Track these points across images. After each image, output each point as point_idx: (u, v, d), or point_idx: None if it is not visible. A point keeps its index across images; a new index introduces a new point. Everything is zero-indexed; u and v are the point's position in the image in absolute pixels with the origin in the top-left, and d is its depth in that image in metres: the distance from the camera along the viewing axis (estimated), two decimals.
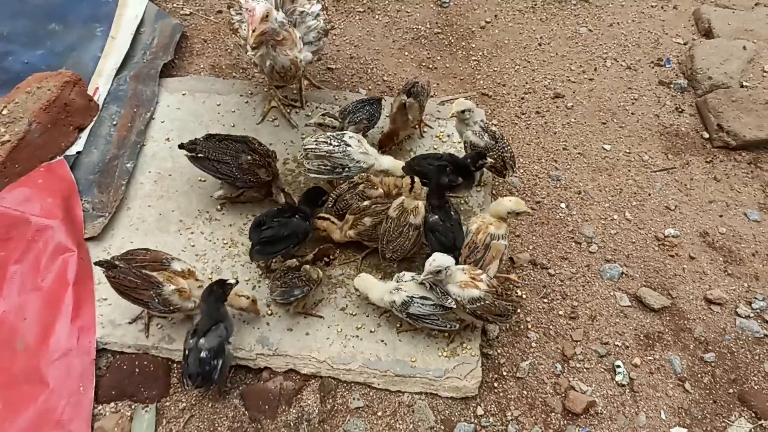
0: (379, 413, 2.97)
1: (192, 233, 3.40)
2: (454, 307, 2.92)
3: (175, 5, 4.52)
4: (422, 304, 2.93)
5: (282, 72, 3.44)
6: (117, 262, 2.87)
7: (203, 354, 2.76)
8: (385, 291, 3.01)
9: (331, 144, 3.29)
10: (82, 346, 3.01)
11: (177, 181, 3.59)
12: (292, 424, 2.96)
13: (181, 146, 3.28)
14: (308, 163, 3.37)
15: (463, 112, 3.35)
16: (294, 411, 2.99)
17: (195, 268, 3.01)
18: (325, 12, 3.60)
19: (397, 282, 3.01)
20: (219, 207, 3.49)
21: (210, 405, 3.00)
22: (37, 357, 2.97)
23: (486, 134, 3.39)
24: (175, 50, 4.15)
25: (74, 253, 3.20)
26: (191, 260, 3.28)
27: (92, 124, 3.74)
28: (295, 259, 3.15)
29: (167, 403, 3.00)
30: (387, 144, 3.65)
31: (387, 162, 3.39)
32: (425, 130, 3.82)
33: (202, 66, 4.21)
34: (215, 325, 2.82)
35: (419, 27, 4.52)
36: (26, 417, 2.85)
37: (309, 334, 3.11)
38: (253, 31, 3.17)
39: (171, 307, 2.88)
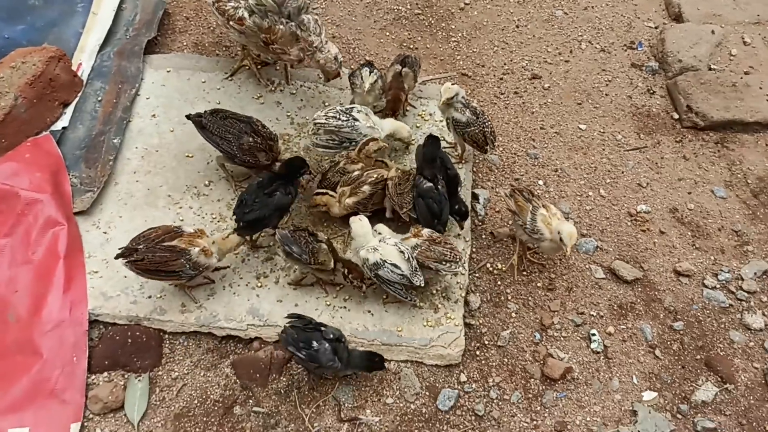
0: (367, 380, 3.08)
1: (180, 208, 3.45)
2: (422, 285, 3.07)
3: None
4: (391, 271, 3.05)
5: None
6: (137, 247, 2.93)
7: (315, 343, 2.85)
8: (369, 245, 3.11)
9: (340, 119, 3.37)
10: (75, 317, 3.06)
11: (164, 156, 3.63)
12: (282, 391, 3.06)
13: (188, 116, 3.35)
14: (317, 138, 3.45)
15: (452, 98, 3.45)
16: (284, 379, 3.09)
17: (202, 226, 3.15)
18: None
19: (379, 241, 3.11)
20: (207, 182, 3.55)
21: (202, 374, 3.08)
22: (29, 328, 3.02)
23: (467, 110, 3.50)
24: (158, 27, 4.16)
25: (64, 227, 3.24)
26: None
27: (77, 99, 3.75)
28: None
29: (160, 373, 3.07)
30: (397, 108, 3.76)
31: (388, 126, 3.48)
32: (408, 108, 3.91)
33: (185, 43, 4.23)
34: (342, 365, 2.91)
35: (400, 8, 4.60)
36: (20, 387, 2.91)
37: (298, 305, 3.20)
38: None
39: (201, 269, 3.01)
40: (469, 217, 3.51)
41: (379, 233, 3.16)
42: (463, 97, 3.52)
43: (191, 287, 3.19)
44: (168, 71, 3.97)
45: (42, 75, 3.56)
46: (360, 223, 3.15)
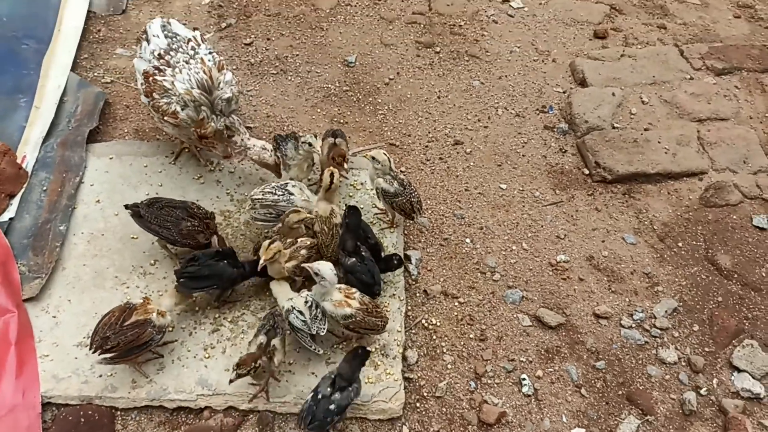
0: None
1: (128, 288, 3.62)
2: (320, 334, 3.30)
3: (96, 74, 4.76)
4: (297, 318, 3.28)
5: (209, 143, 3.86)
6: (107, 336, 3.14)
7: (332, 407, 3.05)
8: (286, 297, 3.37)
9: (276, 194, 3.62)
10: (28, 401, 3.17)
11: (109, 239, 3.81)
12: None
13: (127, 207, 3.54)
14: (254, 213, 3.67)
15: (373, 158, 3.76)
16: None
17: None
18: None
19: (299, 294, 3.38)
20: (152, 261, 3.73)
21: None
22: None
23: (395, 181, 3.80)
24: (99, 117, 4.38)
25: (14, 314, 3.37)
26: None
27: (23, 190, 3.92)
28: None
29: None
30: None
31: (322, 207, 3.71)
32: (341, 180, 4.19)
33: (126, 130, 4.45)
34: (350, 385, 3.11)
35: (329, 86, 4.94)
36: None
37: None
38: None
39: (163, 330, 3.28)
40: (403, 278, 3.77)
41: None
42: (391, 170, 3.82)
43: (140, 363, 3.33)
44: (110, 158, 4.18)
45: None
46: (277, 285, 3.44)
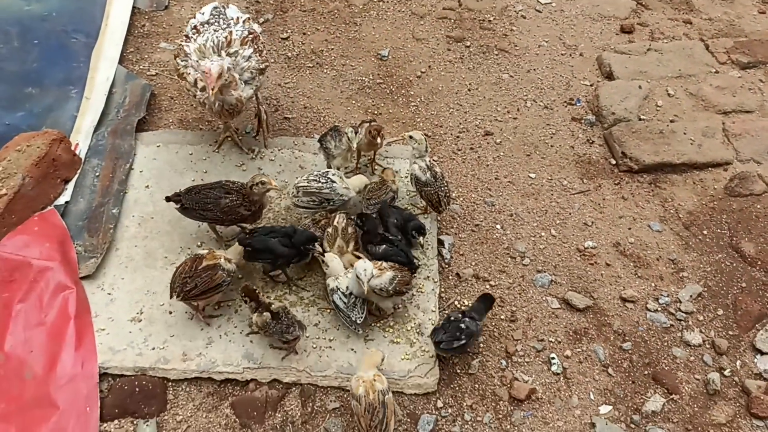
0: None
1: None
2: (359, 322, 3.53)
3: (141, 67, 4.98)
4: (340, 299, 3.52)
5: (230, 109, 3.96)
6: (186, 281, 3.47)
7: (462, 326, 3.45)
8: (336, 274, 3.60)
9: (320, 182, 3.81)
10: (86, 371, 3.39)
11: (159, 222, 4.02)
12: (278, 426, 3.39)
13: (168, 199, 3.74)
14: (297, 200, 3.88)
15: (411, 137, 3.98)
16: (279, 415, 3.42)
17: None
18: (259, 55, 4.10)
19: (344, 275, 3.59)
20: (199, 243, 3.94)
21: (204, 416, 3.40)
22: (46, 384, 3.34)
23: (429, 171, 3.97)
24: (146, 107, 4.60)
25: (73, 290, 3.59)
26: None
27: (77, 176, 4.15)
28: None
29: (165, 417, 3.39)
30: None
31: (356, 182, 3.97)
32: (376, 168, 4.38)
33: (171, 120, 4.67)
34: (480, 320, 3.58)
35: (363, 78, 5.12)
36: None
37: None
38: (213, 89, 3.69)
39: (232, 275, 3.60)
40: (437, 261, 3.95)
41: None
42: (428, 161, 3.99)
43: (205, 315, 3.62)
44: (158, 146, 4.40)
45: (46, 156, 3.95)
46: (332, 259, 3.63)
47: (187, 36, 4.08)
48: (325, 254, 3.65)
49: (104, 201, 4.04)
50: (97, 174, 4.18)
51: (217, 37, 3.96)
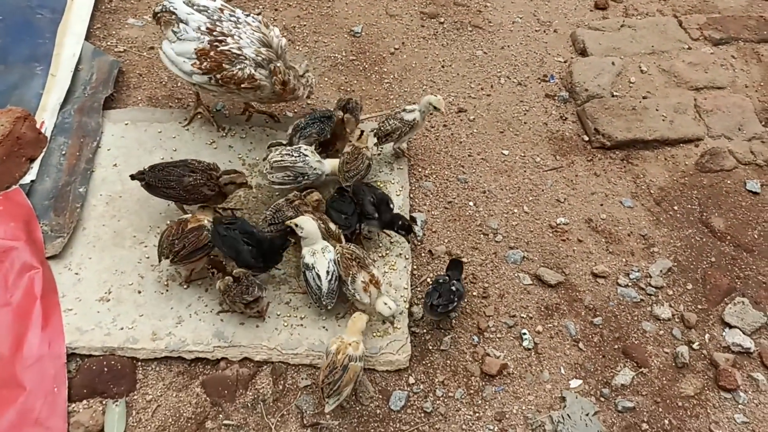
0: None
1: (146, 246, 3.78)
2: (328, 308, 3.53)
3: (109, 43, 4.88)
4: (313, 279, 3.47)
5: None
6: (174, 242, 3.52)
7: (454, 288, 3.51)
8: (313, 249, 3.53)
9: (293, 155, 3.78)
10: (53, 351, 3.35)
11: (127, 201, 3.96)
12: (249, 404, 3.38)
13: (132, 177, 3.68)
14: (272, 176, 3.83)
15: (435, 108, 4.08)
16: (250, 393, 3.42)
17: None
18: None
19: (323, 249, 3.53)
20: (168, 222, 3.88)
21: (174, 395, 3.38)
22: (12, 364, 3.29)
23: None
24: (114, 84, 4.51)
25: (39, 270, 3.53)
26: (147, 271, 3.68)
27: (42, 154, 4.06)
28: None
29: (135, 397, 3.37)
30: (324, 150, 4.17)
31: (329, 165, 3.92)
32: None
33: (139, 98, 4.59)
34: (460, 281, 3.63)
35: (336, 55, 5.06)
36: (7, 418, 3.17)
37: (259, 326, 3.54)
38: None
39: None
40: (410, 237, 3.93)
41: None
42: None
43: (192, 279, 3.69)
44: (126, 124, 4.32)
45: (10, 134, 3.87)
46: (310, 221, 3.52)
47: (216, 40, 3.86)
48: (298, 218, 3.54)
49: (71, 180, 3.97)
50: (64, 152, 4.10)
51: (253, 36, 3.89)
